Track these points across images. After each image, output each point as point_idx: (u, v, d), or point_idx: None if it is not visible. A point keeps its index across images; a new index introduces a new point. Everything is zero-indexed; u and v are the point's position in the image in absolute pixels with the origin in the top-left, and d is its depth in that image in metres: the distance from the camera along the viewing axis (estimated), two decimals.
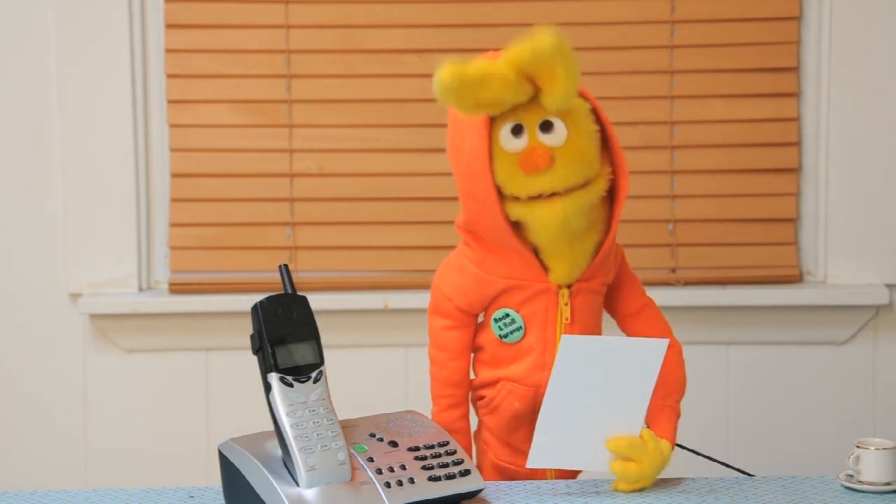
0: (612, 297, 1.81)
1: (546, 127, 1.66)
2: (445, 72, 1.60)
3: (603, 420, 1.61)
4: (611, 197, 1.73)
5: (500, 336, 1.75)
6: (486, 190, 1.67)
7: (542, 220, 1.67)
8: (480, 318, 1.79)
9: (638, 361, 1.60)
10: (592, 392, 1.59)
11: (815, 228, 2.71)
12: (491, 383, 1.78)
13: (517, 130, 1.67)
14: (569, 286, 1.73)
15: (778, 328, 2.69)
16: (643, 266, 2.68)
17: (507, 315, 1.74)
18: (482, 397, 1.79)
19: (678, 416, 1.73)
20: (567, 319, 1.73)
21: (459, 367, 1.78)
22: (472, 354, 1.80)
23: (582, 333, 1.73)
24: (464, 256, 1.77)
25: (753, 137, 2.69)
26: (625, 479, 1.61)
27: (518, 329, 1.74)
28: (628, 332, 1.81)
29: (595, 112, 1.71)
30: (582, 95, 1.70)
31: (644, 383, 1.61)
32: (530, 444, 1.76)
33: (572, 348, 1.58)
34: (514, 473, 1.78)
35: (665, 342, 1.61)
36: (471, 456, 1.79)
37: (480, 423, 1.82)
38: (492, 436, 1.80)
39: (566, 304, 1.73)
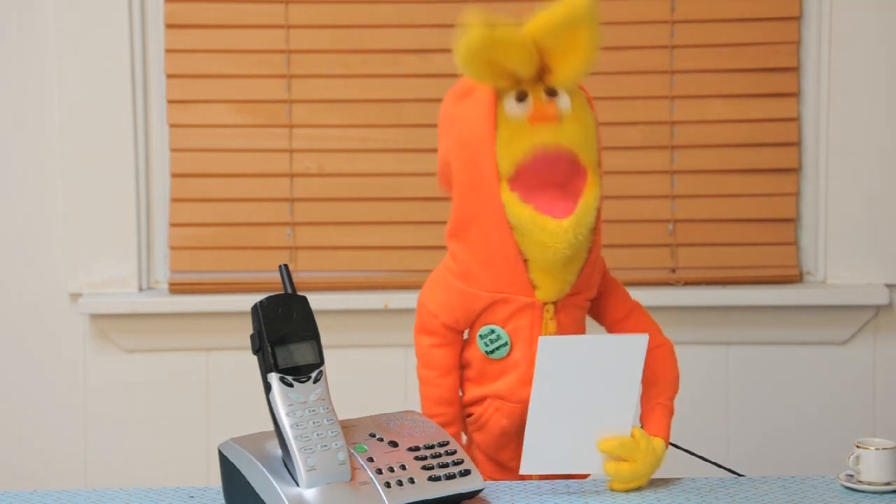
0: (598, 306, 1.79)
1: (551, 92, 1.67)
2: (475, 36, 1.59)
3: (592, 421, 1.60)
4: None
5: (486, 352, 1.74)
6: (490, 169, 1.66)
7: (551, 236, 1.64)
8: (466, 335, 1.79)
9: (620, 358, 1.59)
10: (577, 392, 1.58)
11: (815, 228, 2.71)
12: (478, 401, 1.77)
13: (522, 97, 1.66)
14: (554, 302, 1.72)
15: (778, 328, 2.69)
16: (643, 266, 2.69)
17: (493, 331, 1.73)
18: (470, 414, 1.79)
19: (671, 413, 1.72)
20: (552, 335, 1.71)
21: (450, 385, 1.77)
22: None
23: None
24: (448, 272, 1.76)
25: (753, 137, 2.69)
26: (619, 479, 1.61)
27: (504, 345, 1.73)
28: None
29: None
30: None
31: (629, 380, 1.59)
32: (516, 461, 1.76)
33: (551, 349, 1.56)
34: None
35: (645, 337, 1.59)
36: None
37: (469, 439, 1.81)
38: (480, 453, 1.80)
39: (551, 319, 1.72)
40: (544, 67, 1.66)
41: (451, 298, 1.74)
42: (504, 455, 1.78)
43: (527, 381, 1.71)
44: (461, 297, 1.73)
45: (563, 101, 1.67)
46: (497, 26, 1.60)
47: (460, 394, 1.80)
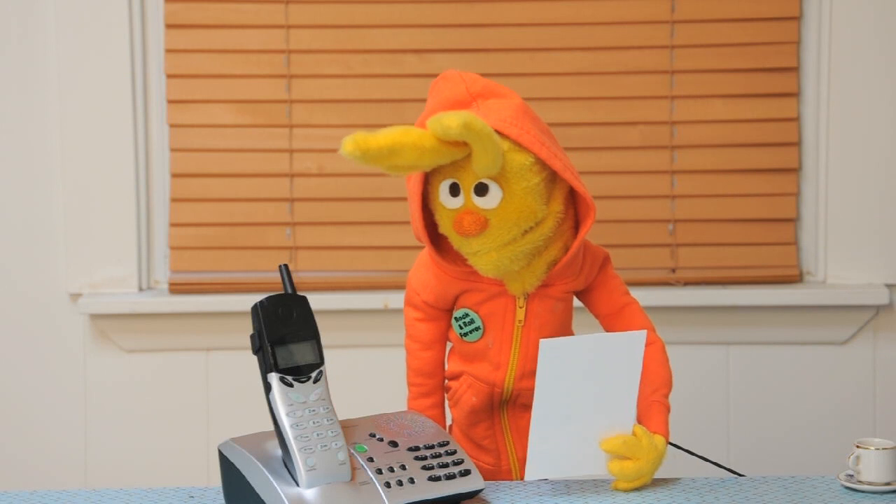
0: (590, 298, 1.80)
1: (481, 190, 1.63)
2: (348, 142, 1.57)
3: (594, 421, 1.60)
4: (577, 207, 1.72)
5: (460, 335, 1.77)
6: (419, 231, 1.69)
7: (478, 267, 1.68)
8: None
9: (619, 356, 1.60)
10: (579, 393, 1.59)
11: (815, 228, 2.71)
12: (457, 375, 1.80)
13: (454, 190, 1.64)
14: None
15: (778, 328, 2.69)
16: (643, 266, 2.69)
17: (467, 315, 1.75)
18: (449, 388, 1.81)
19: (668, 410, 1.72)
20: (521, 321, 1.73)
21: (430, 358, 1.80)
22: (449, 345, 1.82)
23: (538, 335, 1.71)
24: (429, 255, 1.78)
25: (753, 137, 2.69)
26: (623, 477, 1.61)
27: (476, 329, 1.75)
28: (607, 330, 1.80)
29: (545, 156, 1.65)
30: (526, 147, 1.63)
31: (629, 377, 1.61)
32: (489, 440, 1.78)
33: (552, 352, 1.57)
34: (479, 471, 1.79)
35: (643, 333, 1.61)
36: None
37: (452, 417, 1.84)
38: (457, 428, 1.82)
39: (521, 307, 1.73)
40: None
41: (430, 279, 1.77)
42: (476, 433, 1.80)
43: (496, 365, 1.74)
44: (438, 280, 1.76)
45: (493, 197, 1.63)
46: (375, 135, 1.56)
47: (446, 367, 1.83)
